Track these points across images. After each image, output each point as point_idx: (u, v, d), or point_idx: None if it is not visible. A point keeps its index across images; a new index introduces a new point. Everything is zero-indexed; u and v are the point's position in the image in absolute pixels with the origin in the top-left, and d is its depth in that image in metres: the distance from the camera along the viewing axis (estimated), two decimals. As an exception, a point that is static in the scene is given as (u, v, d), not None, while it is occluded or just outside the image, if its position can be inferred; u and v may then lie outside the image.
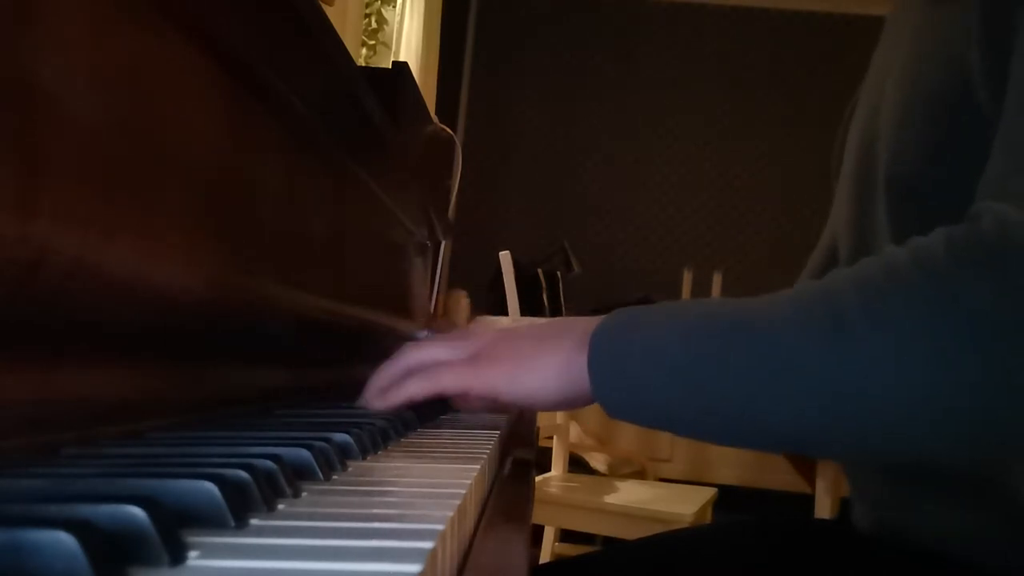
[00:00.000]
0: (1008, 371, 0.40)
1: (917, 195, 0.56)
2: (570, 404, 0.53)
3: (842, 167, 0.71)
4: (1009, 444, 0.44)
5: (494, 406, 0.62)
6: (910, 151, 0.57)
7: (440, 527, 0.25)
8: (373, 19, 2.87)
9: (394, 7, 2.91)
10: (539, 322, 0.58)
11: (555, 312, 2.85)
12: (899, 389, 0.41)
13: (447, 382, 0.55)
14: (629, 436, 2.88)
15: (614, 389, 0.49)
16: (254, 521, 0.26)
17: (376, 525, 0.26)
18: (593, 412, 3.07)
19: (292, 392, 0.68)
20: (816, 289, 0.46)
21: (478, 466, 0.39)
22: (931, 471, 0.58)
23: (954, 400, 0.41)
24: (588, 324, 0.51)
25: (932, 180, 0.55)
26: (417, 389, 0.56)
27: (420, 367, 0.57)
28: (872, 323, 0.42)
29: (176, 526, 0.22)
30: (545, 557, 2.25)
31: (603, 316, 0.51)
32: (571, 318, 0.55)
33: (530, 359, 0.53)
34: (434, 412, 0.64)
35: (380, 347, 0.78)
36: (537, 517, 2.01)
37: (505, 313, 2.13)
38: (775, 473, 2.77)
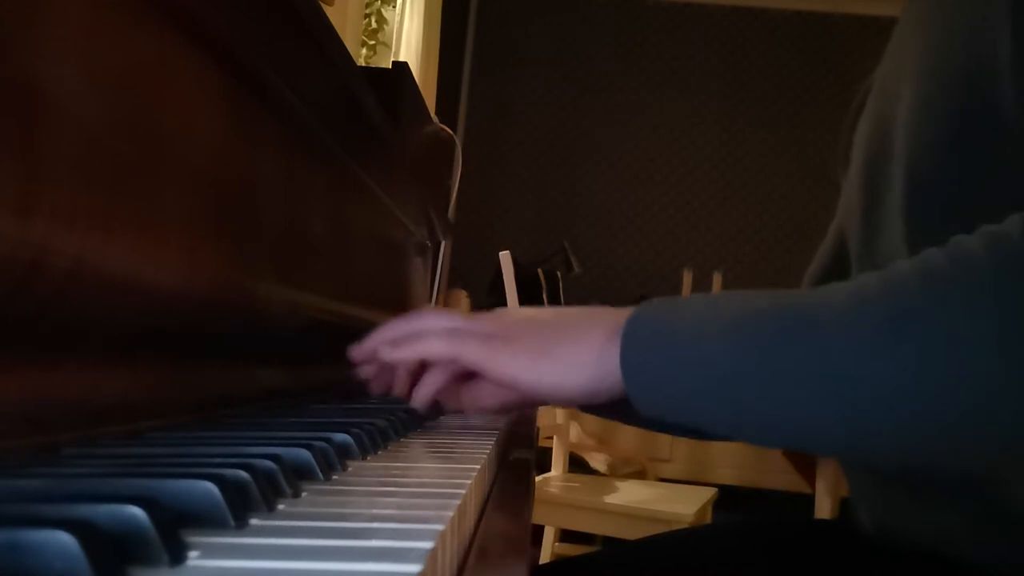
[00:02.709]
0: None
1: (935, 187, 0.55)
2: (591, 397, 0.49)
3: (852, 159, 0.70)
4: None
5: (503, 400, 0.56)
6: (929, 147, 0.55)
7: (440, 527, 0.25)
8: (373, 19, 2.87)
9: (394, 7, 2.91)
10: (559, 310, 0.54)
11: (555, 312, 2.85)
12: (964, 395, 0.37)
13: (468, 351, 0.51)
14: (629, 436, 2.88)
15: (649, 388, 0.46)
16: (254, 521, 0.26)
17: (376, 525, 0.26)
18: (593, 412, 3.07)
19: (292, 392, 0.68)
20: (876, 285, 0.42)
21: (478, 466, 0.39)
22: (930, 475, 0.58)
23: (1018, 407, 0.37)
24: (618, 316, 0.48)
25: (951, 175, 0.53)
26: (436, 348, 0.52)
27: (439, 331, 0.53)
28: (942, 326, 0.38)
29: (176, 526, 0.22)
30: (545, 557, 2.25)
31: (633, 308, 0.48)
32: (597, 308, 0.52)
33: (556, 346, 0.50)
34: (434, 412, 0.64)
35: (380, 347, 0.78)
36: (537, 517, 2.01)
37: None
38: (775, 473, 2.77)
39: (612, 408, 0.54)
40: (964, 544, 0.56)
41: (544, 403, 0.56)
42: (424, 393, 0.55)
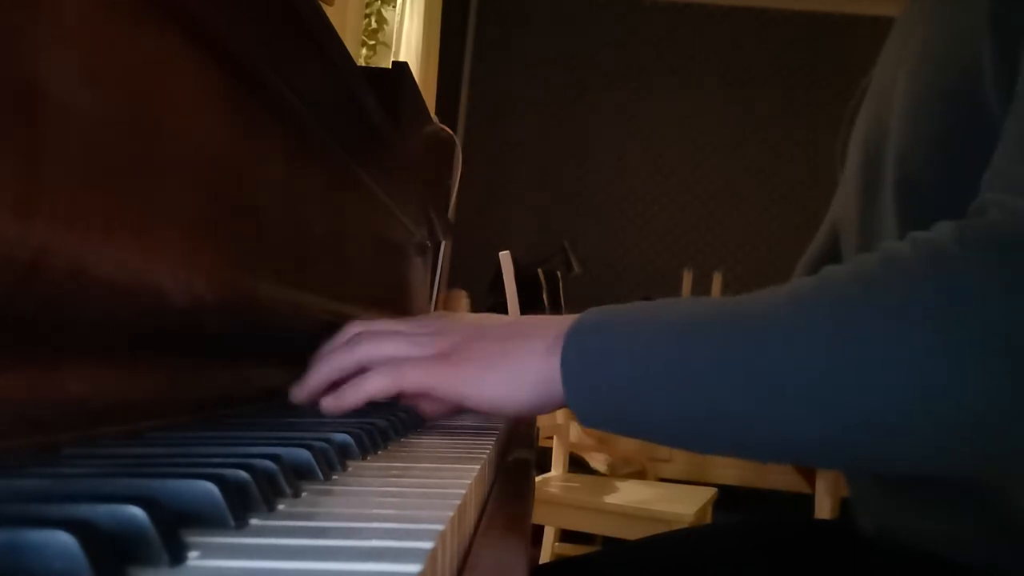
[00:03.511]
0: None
1: (925, 189, 0.55)
2: (539, 410, 0.49)
3: (848, 160, 0.70)
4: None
5: (453, 410, 0.57)
6: (919, 145, 0.56)
7: (440, 527, 0.25)
8: (373, 19, 2.87)
9: (394, 7, 2.91)
10: (506, 319, 0.53)
11: (555, 312, 2.85)
12: (905, 390, 0.38)
13: (411, 380, 0.51)
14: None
15: (588, 395, 0.45)
16: (254, 521, 0.26)
17: (376, 525, 0.26)
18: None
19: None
20: (815, 286, 0.42)
21: (478, 466, 0.39)
22: (928, 479, 0.58)
23: (965, 399, 0.37)
24: (561, 324, 0.47)
25: (940, 175, 0.54)
26: (378, 387, 0.51)
27: (378, 362, 0.52)
28: (877, 322, 0.39)
29: (176, 526, 0.22)
30: (545, 557, 2.25)
31: (577, 315, 0.47)
32: (544, 317, 0.51)
33: (499, 361, 0.49)
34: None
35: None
36: (537, 517, 2.01)
37: (506, 313, 2.13)
38: (775, 473, 2.77)
39: None
40: (964, 546, 0.56)
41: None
42: (352, 402, 0.53)
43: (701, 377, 0.42)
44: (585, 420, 0.46)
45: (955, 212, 0.43)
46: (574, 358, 0.46)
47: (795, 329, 0.40)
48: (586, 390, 0.45)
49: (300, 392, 0.56)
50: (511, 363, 0.49)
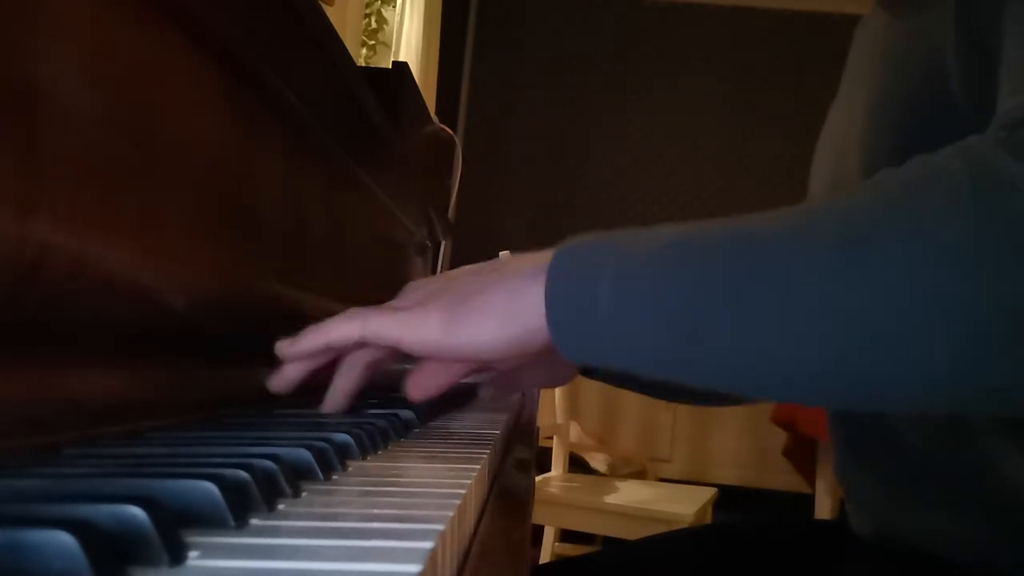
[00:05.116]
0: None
1: None
2: (519, 346, 0.43)
3: (818, 176, 0.71)
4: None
5: (446, 376, 0.50)
6: (883, 156, 0.57)
7: (440, 527, 0.25)
8: (373, 19, 2.87)
9: (394, 7, 2.91)
10: (483, 264, 0.48)
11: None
12: (926, 301, 0.33)
13: (374, 328, 0.46)
14: (629, 436, 2.88)
15: (576, 318, 0.40)
16: (254, 521, 0.26)
17: (376, 525, 0.26)
18: (593, 412, 3.07)
19: (292, 392, 0.68)
20: (827, 203, 0.38)
21: (478, 466, 0.39)
22: (922, 475, 0.58)
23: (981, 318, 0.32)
24: (543, 255, 0.42)
25: None
26: (340, 331, 0.47)
27: (342, 316, 0.48)
28: (891, 232, 0.34)
29: (176, 526, 0.22)
30: (545, 557, 2.25)
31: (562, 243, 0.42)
32: (521, 254, 0.46)
33: (473, 297, 0.44)
34: (434, 411, 0.64)
35: (380, 347, 0.78)
36: (537, 517, 2.01)
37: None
38: (775, 473, 2.77)
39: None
40: (964, 546, 0.56)
41: (528, 386, 0.50)
42: (335, 397, 0.52)
43: (694, 295, 0.37)
44: (568, 352, 0.42)
45: None
46: (561, 281, 0.41)
47: (806, 238, 0.36)
48: (572, 316, 0.40)
49: (277, 370, 0.52)
50: (484, 297, 0.44)
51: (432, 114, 1.40)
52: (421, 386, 0.51)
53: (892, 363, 0.34)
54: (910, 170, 0.37)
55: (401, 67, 1.11)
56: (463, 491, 0.31)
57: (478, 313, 0.43)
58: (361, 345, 0.50)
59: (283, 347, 0.50)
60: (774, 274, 0.36)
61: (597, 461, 2.69)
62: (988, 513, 0.55)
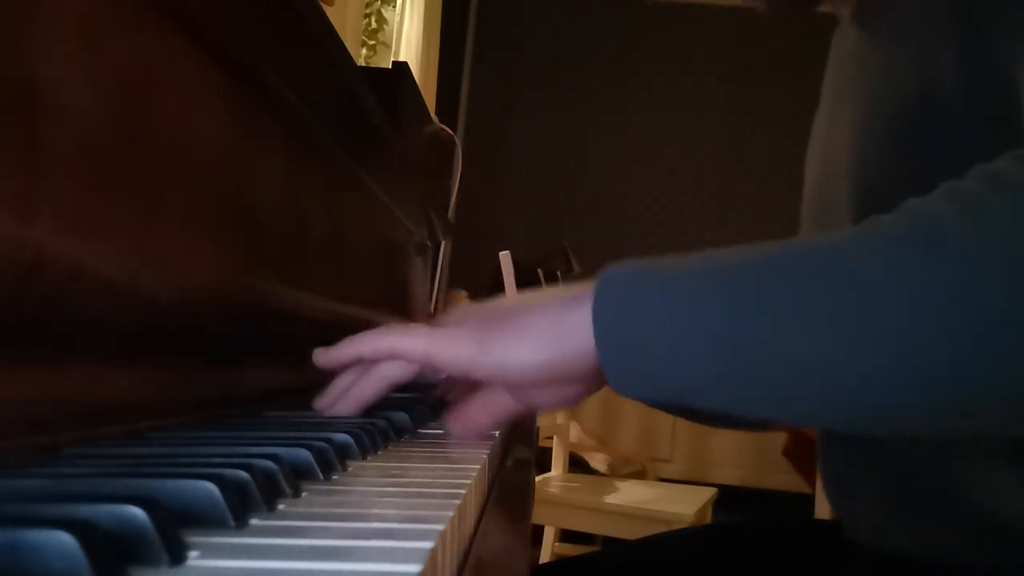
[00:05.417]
0: None
1: (882, 196, 0.55)
2: (554, 370, 0.43)
3: (804, 190, 0.72)
4: None
5: (494, 413, 0.50)
6: (873, 166, 0.56)
7: (440, 527, 0.25)
8: (373, 19, 2.87)
9: (394, 7, 2.91)
10: (524, 295, 0.49)
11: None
12: (956, 331, 0.34)
13: (406, 343, 0.47)
14: (629, 436, 2.88)
15: (625, 345, 0.40)
16: (254, 521, 0.26)
17: (376, 525, 0.26)
18: (593, 412, 3.07)
19: (292, 392, 0.68)
20: (868, 227, 0.38)
21: (478, 466, 0.39)
22: (909, 492, 0.58)
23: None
24: (582, 285, 0.42)
25: (896, 178, 0.54)
26: (369, 343, 0.49)
27: (376, 330, 0.50)
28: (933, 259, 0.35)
29: (176, 526, 0.22)
30: (545, 557, 2.25)
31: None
32: (558, 289, 0.46)
33: (509, 319, 0.44)
34: (434, 412, 0.64)
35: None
36: (537, 517, 2.01)
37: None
38: (775, 473, 2.78)
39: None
40: (961, 553, 0.56)
41: (536, 408, 0.49)
42: (348, 403, 0.52)
43: (750, 323, 0.37)
44: (617, 385, 0.41)
45: None
46: (609, 302, 0.40)
47: (847, 265, 0.37)
48: (619, 340, 0.40)
49: (322, 401, 0.54)
50: (525, 318, 0.44)
51: (432, 114, 1.40)
52: (468, 422, 0.50)
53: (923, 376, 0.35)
54: (929, 203, 0.38)
55: (401, 67, 1.11)
56: (463, 491, 0.31)
57: (516, 333, 0.44)
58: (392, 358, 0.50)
59: (319, 354, 0.52)
60: (815, 282, 0.37)
61: (597, 461, 2.69)
62: (986, 523, 0.54)
